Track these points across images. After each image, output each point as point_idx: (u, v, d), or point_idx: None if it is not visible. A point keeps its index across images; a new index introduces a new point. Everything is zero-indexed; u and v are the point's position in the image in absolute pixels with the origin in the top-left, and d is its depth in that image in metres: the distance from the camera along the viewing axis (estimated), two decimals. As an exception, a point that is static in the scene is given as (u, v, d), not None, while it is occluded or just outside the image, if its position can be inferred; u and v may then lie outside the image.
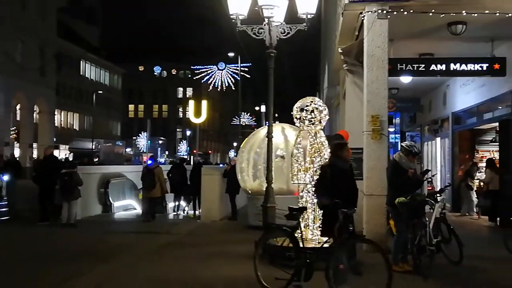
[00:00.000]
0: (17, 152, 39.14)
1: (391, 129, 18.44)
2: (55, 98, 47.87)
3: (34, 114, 44.47)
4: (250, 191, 13.88)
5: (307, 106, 9.20)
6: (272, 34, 9.76)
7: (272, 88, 10.08)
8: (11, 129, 40.92)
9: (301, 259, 6.69)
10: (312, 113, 9.13)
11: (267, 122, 10.70)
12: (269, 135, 10.17)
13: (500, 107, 13.94)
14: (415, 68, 12.29)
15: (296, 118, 9.29)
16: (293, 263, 6.74)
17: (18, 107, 42.47)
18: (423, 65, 12.30)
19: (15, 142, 41.22)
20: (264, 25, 9.68)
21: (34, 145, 41.10)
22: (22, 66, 40.15)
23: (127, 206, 17.48)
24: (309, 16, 9.75)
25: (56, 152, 47.54)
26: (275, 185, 10.31)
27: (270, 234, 7.90)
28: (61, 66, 50.86)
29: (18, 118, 43.03)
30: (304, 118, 9.15)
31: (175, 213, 17.66)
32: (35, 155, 40.52)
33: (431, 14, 10.47)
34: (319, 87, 30.49)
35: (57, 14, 48.29)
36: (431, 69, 12.24)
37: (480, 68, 12.15)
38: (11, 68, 38.51)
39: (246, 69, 27.80)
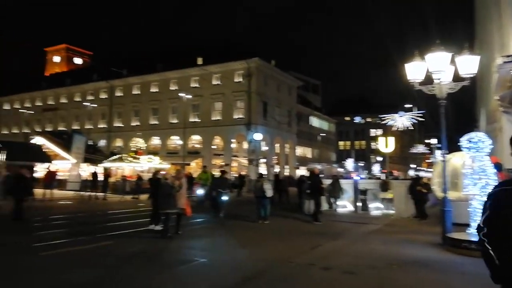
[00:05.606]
0: (277, 170, 42.24)
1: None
2: (296, 139, 51.10)
3: (285, 149, 48.01)
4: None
5: (473, 139, 7.93)
6: (442, 90, 8.77)
7: (444, 126, 8.97)
8: (273, 157, 44.94)
9: None
10: (477, 144, 7.82)
11: (441, 151, 9.50)
12: (443, 160, 9.04)
13: None
14: None
15: (465, 147, 8.04)
16: None
17: (277, 145, 46.30)
18: None
19: (276, 165, 45.20)
20: (435, 84, 8.76)
21: (286, 166, 43.84)
22: (279, 122, 44.40)
23: (343, 206, 17.15)
24: (470, 75, 8.51)
25: (298, 171, 50.16)
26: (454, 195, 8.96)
27: None
28: (299, 120, 53.63)
29: (277, 151, 46.75)
30: (471, 147, 7.90)
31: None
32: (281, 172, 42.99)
33: None
34: (477, 124, 26.04)
35: (297, 90, 52.25)
36: None
37: None
38: (274, 124, 43.40)
39: (421, 114, 25.39)
